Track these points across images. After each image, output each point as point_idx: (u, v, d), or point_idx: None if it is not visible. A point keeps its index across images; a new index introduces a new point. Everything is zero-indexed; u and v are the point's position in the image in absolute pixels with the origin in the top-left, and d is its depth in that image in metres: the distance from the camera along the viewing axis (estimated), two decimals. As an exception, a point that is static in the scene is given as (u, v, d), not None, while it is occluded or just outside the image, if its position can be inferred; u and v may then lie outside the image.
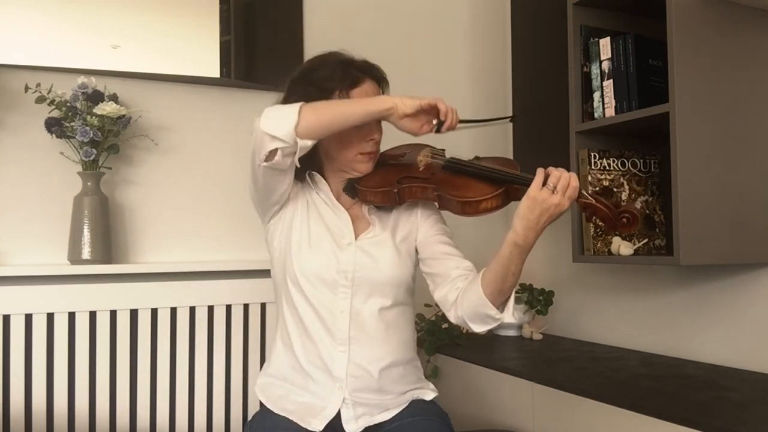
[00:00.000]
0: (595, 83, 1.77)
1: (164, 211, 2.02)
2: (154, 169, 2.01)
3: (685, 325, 1.87)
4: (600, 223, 1.22)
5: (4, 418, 1.69)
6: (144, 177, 2.00)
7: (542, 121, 2.10)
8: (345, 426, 1.37)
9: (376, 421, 1.40)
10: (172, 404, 1.87)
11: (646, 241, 1.75)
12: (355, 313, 1.38)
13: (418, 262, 1.46)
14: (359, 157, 1.39)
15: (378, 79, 1.42)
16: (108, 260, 1.84)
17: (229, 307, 1.95)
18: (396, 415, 1.41)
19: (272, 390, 1.44)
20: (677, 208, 1.53)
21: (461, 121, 1.37)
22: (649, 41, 1.70)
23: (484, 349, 2.07)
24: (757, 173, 1.64)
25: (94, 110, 1.78)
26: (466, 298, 1.31)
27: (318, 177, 1.44)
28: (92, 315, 1.78)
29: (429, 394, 1.49)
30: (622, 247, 1.73)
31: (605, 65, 1.74)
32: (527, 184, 1.22)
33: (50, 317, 1.74)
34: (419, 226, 1.45)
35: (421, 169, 1.36)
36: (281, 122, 1.25)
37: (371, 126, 1.38)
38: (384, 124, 1.39)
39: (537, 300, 2.19)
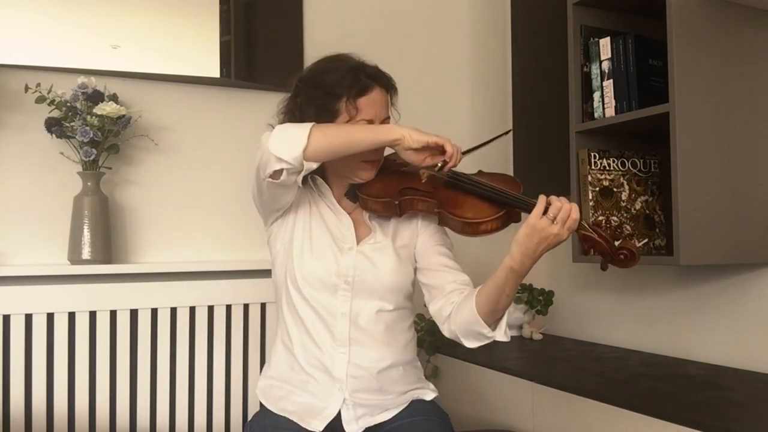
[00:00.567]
0: (595, 83, 1.77)
1: (164, 211, 2.02)
2: (154, 169, 2.01)
3: (685, 325, 1.87)
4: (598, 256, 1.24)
5: (4, 418, 1.69)
6: (144, 177, 2.00)
7: (542, 121, 2.11)
8: (345, 427, 1.37)
9: (377, 422, 1.40)
10: (172, 404, 1.87)
11: (646, 241, 1.75)
12: (355, 315, 1.38)
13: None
14: (363, 164, 1.38)
15: (387, 87, 1.41)
16: (108, 260, 1.84)
17: (229, 307, 1.95)
18: (396, 415, 1.41)
19: (273, 391, 1.44)
20: (677, 208, 1.53)
21: (464, 153, 1.38)
22: (649, 41, 1.70)
23: (484, 349, 2.03)
24: (757, 173, 1.64)
25: (94, 110, 1.78)
26: (460, 315, 1.32)
27: (320, 181, 1.44)
28: (92, 315, 1.78)
29: (429, 394, 1.49)
30: (622, 247, 1.73)
31: (605, 65, 1.74)
32: (528, 209, 1.23)
33: (50, 317, 1.74)
34: (419, 234, 1.45)
35: (423, 181, 1.35)
36: (290, 144, 1.24)
37: None
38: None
39: (537, 300, 2.19)
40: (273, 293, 1.50)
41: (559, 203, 1.20)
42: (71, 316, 1.76)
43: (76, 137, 1.77)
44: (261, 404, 1.47)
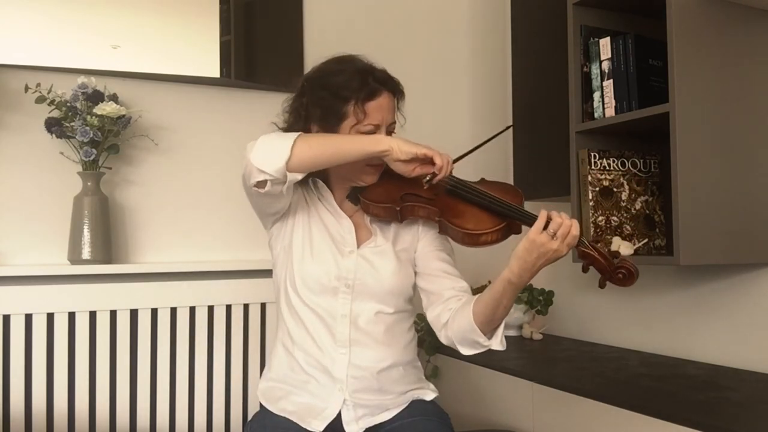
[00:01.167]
0: (595, 83, 1.77)
1: (164, 211, 2.02)
2: (154, 169, 2.01)
3: (685, 325, 1.87)
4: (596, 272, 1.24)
5: (4, 418, 1.69)
6: (144, 177, 2.00)
7: (542, 121, 2.10)
8: (346, 427, 1.37)
9: (377, 422, 1.40)
10: (172, 404, 1.87)
11: (646, 241, 1.75)
12: (355, 316, 1.38)
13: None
14: (367, 168, 1.38)
15: (395, 92, 1.40)
16: (108, 260, 1.84)
17: (229, 307, 1.95)
18: (396, 415, 1.41)
19: (273, 392, 1.44)
20: (677, 208, 1.53)
21: (463, 155, 1.39)
22: (649, 41, 1.70)
23: (484, 349, 2.07)
24: (757, 173, 1.64)
25: (94, 110, 1.78)
26: (457, 323, 1.33)
27: (321, 184, 1.44)
28: (92, 315, 1.78)
29: (429, 394, 1.49)
30: (622, 247, 1.71)
31: (605, 65, 1.74)
32: (529, 223, 1.23)
33: (50, 317, 1.74)
34: (420, 239, 1.45)
35: (425, 188, 1.36)
36: (272, 156, 1.24)
37: None
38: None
39: (537, 300, 2.19)
40: (273, 293, 1.50)
41: (559, 219, 1.20)
42: (71, 316, 1.76)
43: (76, 137, 1.77)
44: (261, 404, 1.47)
